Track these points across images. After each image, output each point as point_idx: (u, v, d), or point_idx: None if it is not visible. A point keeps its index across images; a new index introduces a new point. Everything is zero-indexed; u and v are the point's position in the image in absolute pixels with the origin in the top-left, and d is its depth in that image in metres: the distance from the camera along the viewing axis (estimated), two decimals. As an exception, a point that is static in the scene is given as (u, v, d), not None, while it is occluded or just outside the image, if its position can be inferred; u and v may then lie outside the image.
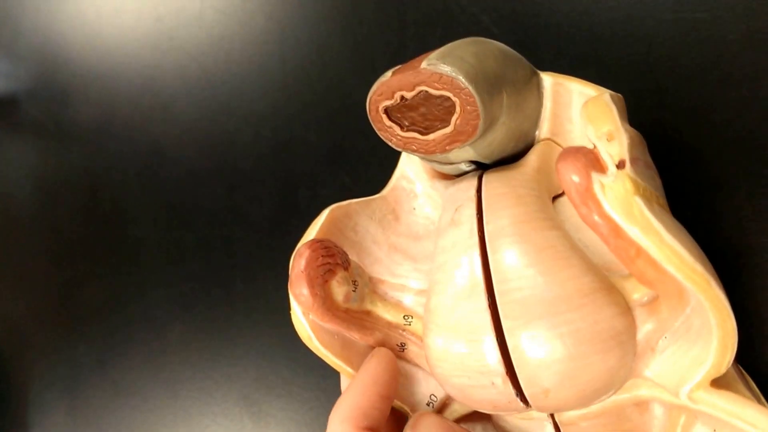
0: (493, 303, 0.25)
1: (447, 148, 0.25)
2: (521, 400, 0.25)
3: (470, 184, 0.28)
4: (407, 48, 0.44)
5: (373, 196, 0.33)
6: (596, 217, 0.21)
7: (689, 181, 0.36)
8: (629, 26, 0.38)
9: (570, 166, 0.21)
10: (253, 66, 0.50)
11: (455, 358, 0.25)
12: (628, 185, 0.20)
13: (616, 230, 0.20)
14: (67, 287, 0.60)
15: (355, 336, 0.29)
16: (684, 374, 0.23)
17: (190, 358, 0.54)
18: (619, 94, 0.26)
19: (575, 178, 0.21)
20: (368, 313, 0.30)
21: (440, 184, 0.31)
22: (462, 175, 0.30)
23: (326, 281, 0.28)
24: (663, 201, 0.24)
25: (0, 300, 0.63)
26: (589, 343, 0.23)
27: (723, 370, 0.22)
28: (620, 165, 0.21)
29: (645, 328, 0.24)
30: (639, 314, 0.25)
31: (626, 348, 0.24)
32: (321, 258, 0.28)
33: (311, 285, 0.27)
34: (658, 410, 0.26)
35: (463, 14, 0.42)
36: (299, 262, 0.28)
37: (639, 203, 0.20)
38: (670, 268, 0.20)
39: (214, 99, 0.52)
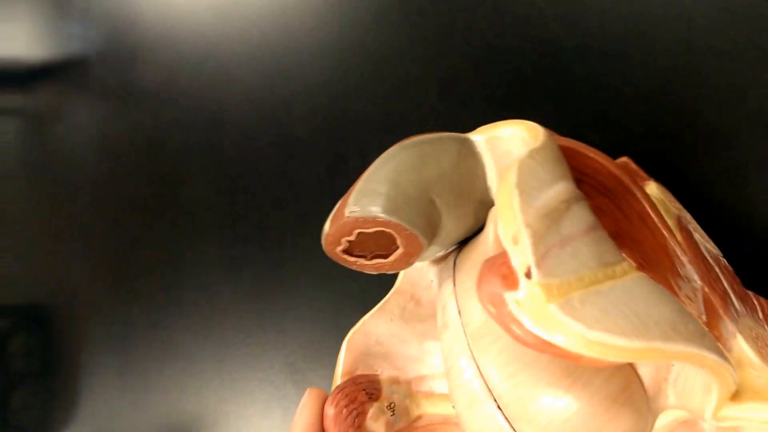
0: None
1: (410, 261, 0.25)
2: None
3: (449, 273, 0.27)
4: (458, 19, 0.44)
5: (384, 299, 0.32)
6: (523, 337, 0.19)
7: (725, 159, 0.36)
8: (672, 3, 0.38)
9: (485, 296, 0.19)
10: (312, 36, 0.51)
11: None
12: (540, 294, 0.19)
13: (545, 343, 0.18)
14: (124, 248, 0.61)
15: None
16: (701, 400, 0.23)
17: (238, 322, 0.54)
18: (543, 141, 0.23)
19: (492, 309, 0.19)
20: (419, 417, 0.30)
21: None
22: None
23: (359, 426, 0.28)
24: (599, 275, 0.20)
25: (60, 260, 0.65)
26: (601, 413, 0.23)
27: (733, 387, 0.22)
28: (527, 274, 0.19)
29: (645, 371, 0.24)
30: (636, 363, 0.24)
31: (636, 398, 0.23)
32: (344, 410, 0.28)
33: None
34: (705, 424, 0.26)
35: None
36: (327, 424, 0.28)
37: (553, 310, 0.18)
38: (612, 358, 0.18)
39: (274, 67, 0.53)
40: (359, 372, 0.31)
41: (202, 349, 0.56)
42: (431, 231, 0.25)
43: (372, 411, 0.29)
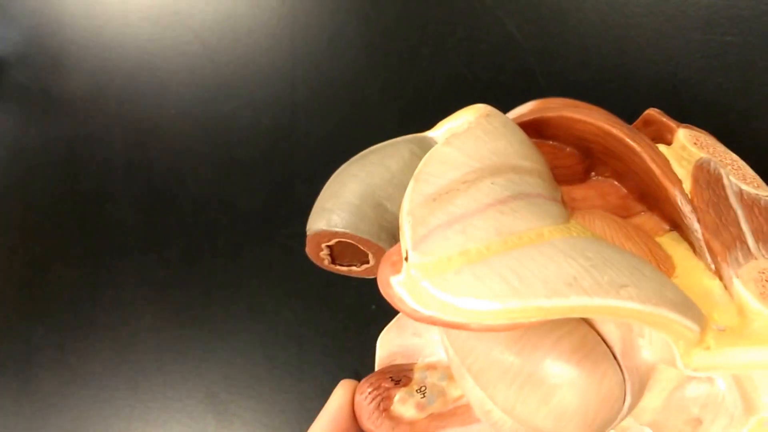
0: None
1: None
2: None
3: None
4: (425, 45, 0.43)
5: None
6: (410, 314, 0.20)
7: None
8: (657, 43, 0.38)
9: (379, 283, 0.21)
10: (260, 50, 0.49)
11: None
12: (416, 274, 0.20)
13: (428, 317, 0.20)
14: (34, 265, 0.58)
15: (455, 423, 0.30)
16: (669, 351, 0.23)
17: (157, 348, 0.52)
18: (469, 125, 0.25)
19: (384, 292, 0.21)
20: (461, 396, 0.31)
21: None
22: None
23: (386, 410, 0.30)
24: (492, 246, 0.21)
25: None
26: (553, 375, 0.23)
27: (692, 335, 0.22)
28: (406, 258, 0.21)
29: (609, 329, 0.24)
30: (595, 321, 0.25)
31: (594, 357, 0.23)
32: (369, 396, 0.30)
33: (372, 421, 0.30)
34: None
35: (486, 15, 0.41)
36: (356, 411, 0.30)
37: (425, 286, 0.20)
38: (492, 322, 0.19)
39: (214, 80, 0.51)
40: (397, 362, 0.33)
41: (115, 375, 0.53)
42: (386, 233, 0.26)
43: (399, 395, 0.30)
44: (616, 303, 0.20)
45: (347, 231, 0.25)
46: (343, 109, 0.46)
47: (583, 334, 0.24)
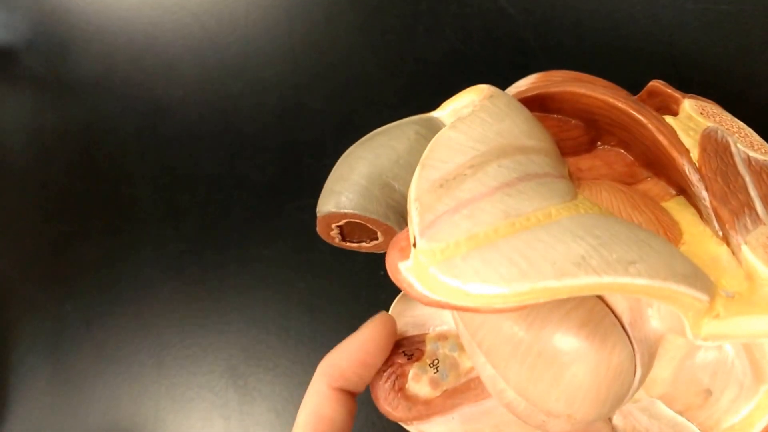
0: None
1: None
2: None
3: None
4: (419, 19, 0.43)
5: None
6: (420, 298, 0.20)
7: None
8: (652, 15, 0.37)
9: (388, 268, 0.22)
10: (259, 31, 0.50)
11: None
12: (424, 260, 0.20)
13: (437, 302, 0.20)
14: (57, 243, 0.59)
15: (469, 399, 0.30)
16: (678, 321, 0.23)
17: (178, 322, 0.53)
18: (474, 108, 0.25)
19: (393, 277, 0.21)
20: (472, 369, 0.31)
21: None
22: None
23: (401, 388, 0.30)
24: (500, 229, 0.21)
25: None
26: (563, 351, 0.23)
27: (701, 306, 0.22)
28: (414, 244, 0.21)
29: (617, 300, 0.24)
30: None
31: (602, 330, 0.23)
32: (384, 375, 0.30)
33: (389, 402, 0.30)
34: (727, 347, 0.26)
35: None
36: (372, 393, 0.30)
37: (433, 272, 0.20)
38: (501, 306, 0.19)
39: (218, 61, 0.51)
40: (409, 334, 0.32)
41: (140, 350, 0.54)
42: (394, 212, 0.27)
43: (413, 372, 0.30)
44: (625, 280, 0.20)
45: (356, 212, 0.26)
46: (346, 86, 0.47)
47: (590, 307, 0.24)
